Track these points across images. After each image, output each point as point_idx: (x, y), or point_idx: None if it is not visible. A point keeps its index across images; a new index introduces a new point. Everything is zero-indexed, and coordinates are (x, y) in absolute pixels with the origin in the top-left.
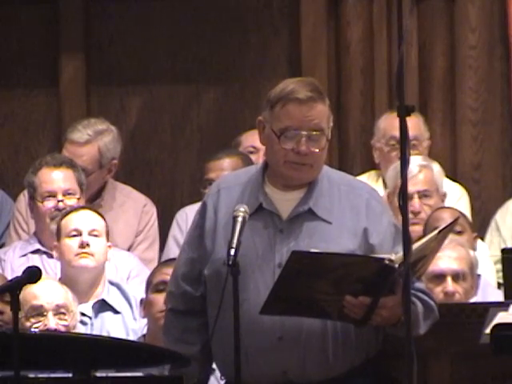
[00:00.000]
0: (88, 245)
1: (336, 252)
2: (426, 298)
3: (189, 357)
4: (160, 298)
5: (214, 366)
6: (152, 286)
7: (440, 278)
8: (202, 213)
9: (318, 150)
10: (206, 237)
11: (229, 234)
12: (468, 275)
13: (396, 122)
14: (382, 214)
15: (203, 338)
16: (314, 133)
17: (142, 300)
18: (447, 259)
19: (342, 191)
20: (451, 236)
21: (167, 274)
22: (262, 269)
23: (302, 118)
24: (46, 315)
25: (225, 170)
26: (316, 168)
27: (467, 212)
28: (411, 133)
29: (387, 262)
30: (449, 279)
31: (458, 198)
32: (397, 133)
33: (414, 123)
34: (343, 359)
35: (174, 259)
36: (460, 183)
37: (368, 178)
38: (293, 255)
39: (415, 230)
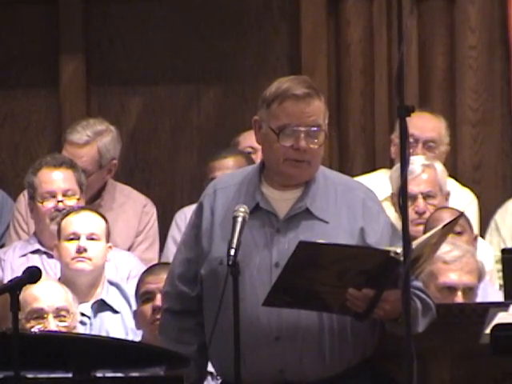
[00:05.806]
0: (85, 250)
1: (342, 243)
2: (423, 296)
3: (187, 357)
4: (147, 309)
5: (210, 368)
6: (139, 297)
7: (450, 290)
8: (198, 213)
9: (316, 147)
10: (202, 237)
11: (225, 234)
12: (476, 287)
13: (421, 122)
14: (378, 213)
15: (199, 338)
16: (312, 129)
17: (135, 312)
18: (459, 272)
19: (338, 191)
20: (464, 246)
21: (150, 282)
22: (259, 268)
23: (300, 114)
24: (46, 317)
25: (230, 169)
26: (313, 165)
27: (475, 218)
28: (429, 134)
29: (393, 254)
30: (459, 293)
31: (467, 203)
32: (417, 132)
33: (436, 125)
34: (340, 358)
35: (157, 265)
36: (462, 183)
37: (386, 174)
38: (299, 245)
39: (420, 230)
